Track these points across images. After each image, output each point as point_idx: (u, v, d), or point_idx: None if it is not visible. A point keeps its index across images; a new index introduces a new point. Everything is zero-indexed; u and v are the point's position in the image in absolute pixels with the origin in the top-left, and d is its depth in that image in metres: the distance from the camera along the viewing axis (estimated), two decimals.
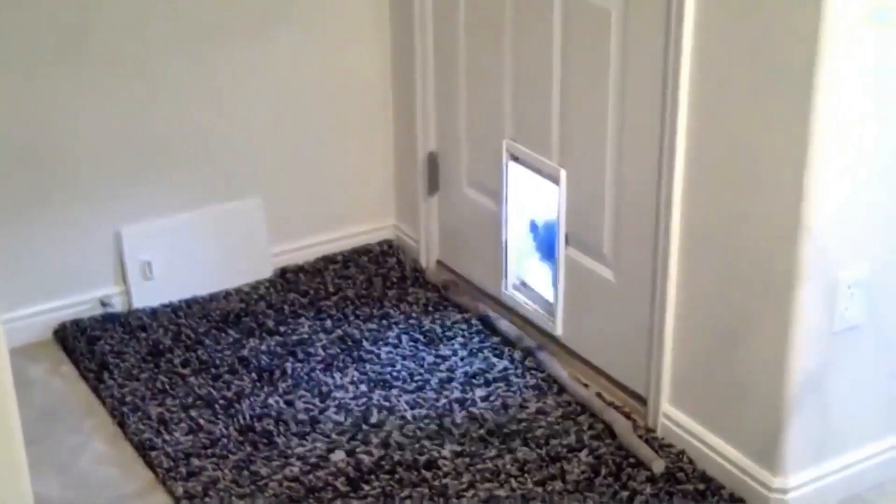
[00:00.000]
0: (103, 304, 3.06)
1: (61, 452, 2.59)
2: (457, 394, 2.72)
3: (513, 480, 2.43)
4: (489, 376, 2.78)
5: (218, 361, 2.85)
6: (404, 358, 2.87)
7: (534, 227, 2.89)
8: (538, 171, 2.80)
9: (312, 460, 2.50)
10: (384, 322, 3.03)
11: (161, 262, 3.10)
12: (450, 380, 2.77)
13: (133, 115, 2.98)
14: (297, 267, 3.29)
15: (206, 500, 2.41)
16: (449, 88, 3.08)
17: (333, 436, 2.58)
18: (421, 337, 2.96)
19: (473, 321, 3.00)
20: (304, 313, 3.07)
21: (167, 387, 2.76)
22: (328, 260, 3.33)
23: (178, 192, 3.10)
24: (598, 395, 2.70)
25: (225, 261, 3.18)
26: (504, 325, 2.94)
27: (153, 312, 3.06)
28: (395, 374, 2.80)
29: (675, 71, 2.28)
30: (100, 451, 2.60)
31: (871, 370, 2.34)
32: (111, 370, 2.82)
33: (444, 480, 2.44)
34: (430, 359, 2.86)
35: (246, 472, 2.47)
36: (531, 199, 2.86)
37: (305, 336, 2.96)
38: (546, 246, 2.85)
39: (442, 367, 2.82)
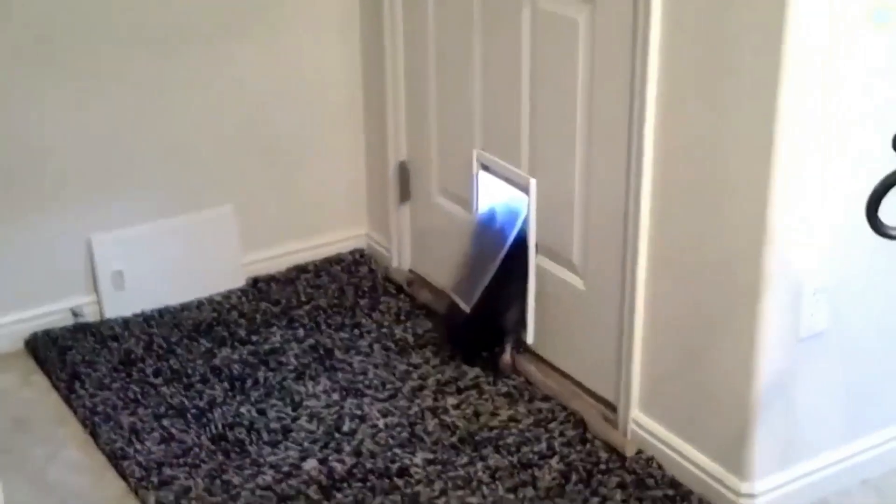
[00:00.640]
0: (75, 313, 3.06)
1: (33, 462, 2.59)
2: (429, 402, 2.73)
3: (484, 487, 2.45)
4: (461, 384, 2.79)
5: (190, 371, 2.86)
6: (376, 366, 2.88)
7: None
8: (508, 180, 2.82)
9: (285, 469, 2.51)
10: (356, 331, 3.04)
11: (132, 272, 3.10)
12: (422, 388, 2.79)
13: (103, 123, 2.98)
14: (268, 276, 3.29)
15: None
16: (419, 98, 3.09)
17: (306, 444, 2.59)
18: (393, 345, 2.97)
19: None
20: (276, 322, 3.07)
21: (139, 396, 2.76)
22: (300, 269, 3.33)
23: (149, 201, 3.10)
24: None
25: (196, 270, 3.18)
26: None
27: (125, 322, 3.06)
28: (367, 382, 2.81)
29: (643, 80, 2.30)
30: (71, 461, 2.59)
31: (837, 376, 2.37)
32: (83, 380, 2.82)
33: (417, 488, 2.45)
34: (402, 367, 2.87)
35: (218, 481, 2.47)
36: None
37: (277, 345, 2.97)
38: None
39: (414, 376, 2.84)
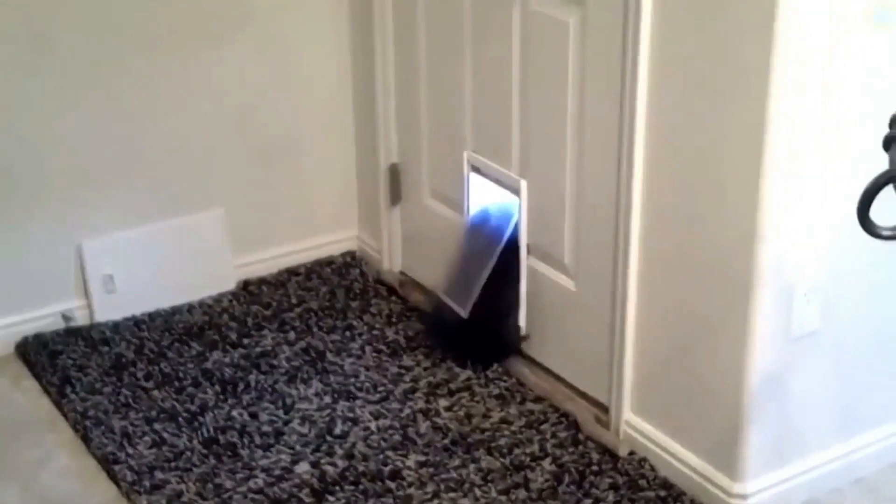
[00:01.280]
0: (65, 317, 3.05)
1: (24, 466, 2.58)
2: (420, 404, 2.73)
3: (477, 490, 2.44)
4: (452, 386, 2.79)
5: (181, 374, 2.85)
6: (368, 369, 2.88)
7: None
8: (499, 182, 2.82)
9: (277, 472, 2.50)
10: (347, 333, 3.03)
11: (123, 276, 3.09)
12: (413, 390, 2.78)
13: (92, 127, 2.97)
14: (259, 279, 3.29)
15: None
16: (410, 100, 3.09)
17: (298, 447, 2.59)
18: (384, 348, 2.96)
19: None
20: (267, 325, 3.07)
21: (130, 400, 2.75)
22: (291, 272, 3.33)
23: (139, 204, 3.10)
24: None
25: (187, 273, 3.18)
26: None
27: (116, 326, 3.06)
28: (358, 385, 2.81)
29: (633, 81, 2.30)
30: (63, 465, 2.59)
31: (829, 375, 2.37)
32: (74, 384, 2.81)
33: (409, 491, 2.45)
34: (394, 369, 2.87)
35: (210, 485, 2.47)
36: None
37: (269, 348, 2.96)
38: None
39: (406, 378, 2.83)
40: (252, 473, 2.50)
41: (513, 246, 2.77)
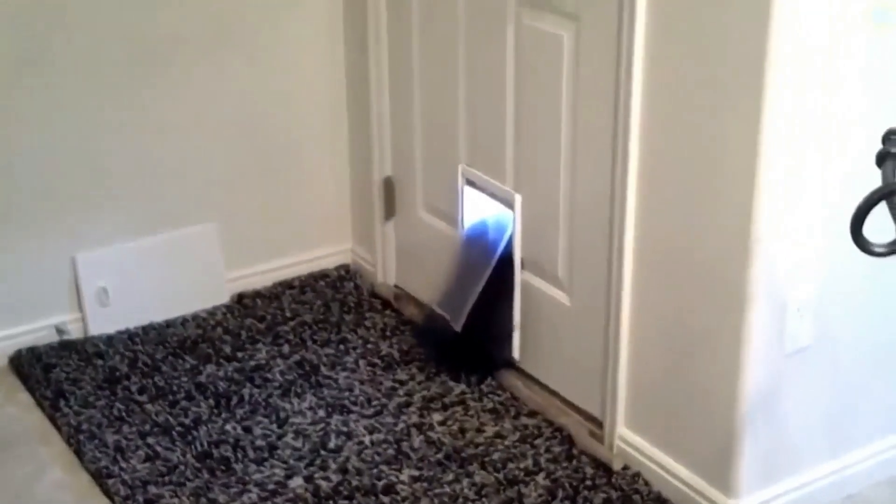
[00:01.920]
0: (59, 331, 3.05)
1: (17, 481, 2.57)
2: (414, 418, 2.73)
3: None
4: (446, 400, 2.79)
5: (175, 388, 2.85)
6: (362, 383, 2.87)
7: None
8: (493, 195, 2.82)
9: (270, 487, 2.50)
10: (342, 347, 3.03)
11: (117, 289, 3.09)
12: (407, 404, 2.78)
13: (86, 140, 2.97)
14: (254, 292, 3.29)
15: None
16: (404, 113, 3.10)
17: (291, 462, 2.58)
18: (378, 361, 2.96)
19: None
20: (261, 339, 3.07)
21: (124, 414, 2.75)
22: (285, 285, 3.33)
23: (133, 217, 3.09)
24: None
25: (181, 287, 3.18)
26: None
27: (109, 339, 3.05)
28: (352, 398, 2.81)
29: (627, 95, 2.31)
30: (56, 479, 2.58)
31: (822, 391, 2.37)
32: (67, 398, 2.81)
33: None
34: (388, 383, 2.87)
35: (204, 500, 2.46)
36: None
37: (263, 362, 2.96)
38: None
39: (400, 392, 2.83)
40: (246, 488, 2.50)
41: (507, 259, 2.77)
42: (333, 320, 3.16)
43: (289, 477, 2.53)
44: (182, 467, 2.56)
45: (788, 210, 2.16)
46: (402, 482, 2.51)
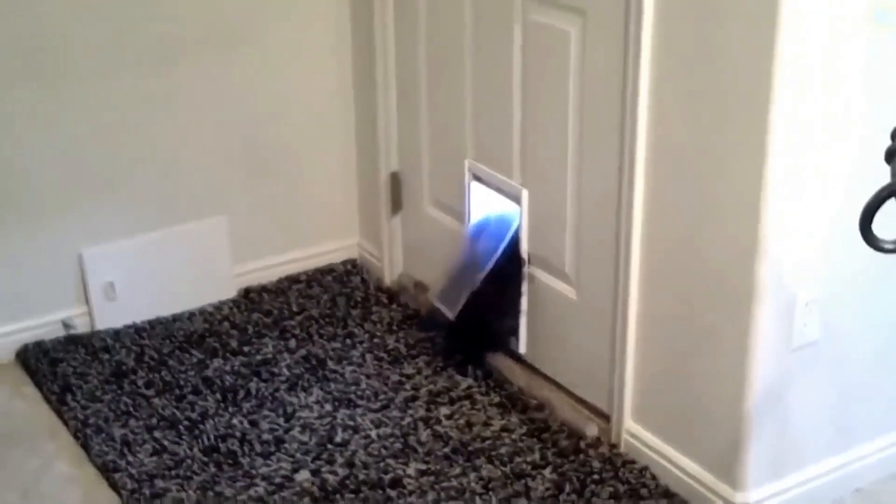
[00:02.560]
0: (66, 325, 3.05)
1: (24, 475, 2.58)
2: (421, 412, 2.73)
3: (477, 498, 2.44)
4: (453, 394, 2.79)
5: (182, 382, 2.85)
6: (369, 377, 2.88)
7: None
8: (500, 190, 2.82)
9: (277, 480, 2.50)
10: (348, 341, 3.03)
11: (124, 283, 3.09)
12: (414, 398, 2.78)
13: (94, 135, 2.98)
14: (260, 287, 3.29)
15: None
16: (411, 109, 3.10)
17: (298, 456, 2.58)
18: (385, 355, 2.97)
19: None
20: (267, 333, 3.07)
21: (131, 408, 2.75)
22: (292, 279, 3.33)
23: (140, 212, 3.10)
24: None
25: (188, 281, 3.18)
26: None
27: (116, 333, 3.06)
28: (359, 393, 2.81)
29: (634, 91, 2.31)
30: (63, 473, 2.59)
31: (830, 385, 2.37)
32: (74, 392, 2.81)
33: (409, 499, 2.44)
34: (395, 377, 2.87)
35: (210, 493, 2.47)
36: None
37: (269, 356, 2.96)
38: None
39: (406, 386, 2.83)
40: (252, 481, 2.50)
41: (512, 254, 2.77)
42: (340, 315, 3.16)
43: (295, 471, 2.53)
44: (189, 461, 2.57)
45: (796, 205, 2.15)
46: (409, 476, 2.51)
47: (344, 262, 3.42)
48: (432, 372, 2.89)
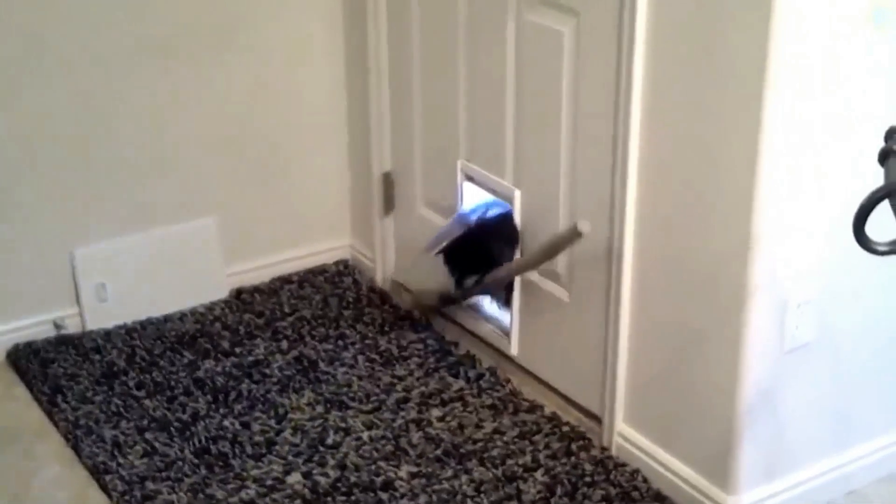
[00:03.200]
0: (57, 326, 3.04)
1: (14, 477, 2.57)
2: (413, 414, 2.72)
3: (469, 501, 2.44)
4: (445, 396, 2.79)
5: (173, 383, 2.84)
6: (360, 378, 2.87)
7: None
8: (493, 191, 2.81)
9: (269, 482, 2.49)
10: (340, 342, 3.03)
11: (115, 284, 3.08)
12: (406, 400, 2.78)
13: (84, 135, 2.97)
14: (252, 287, 3.28)
15: None
16: (403, 108, 3.09)
17: (290, 458, 2.58)
18: (377, 357, 2.96)
19: (429, 341, 3.01)
20: (259, 334, 3.06)
21: (122, 409, 2.74)
22: (284, 280, 3.32)
23: (131, 212, 3.09)
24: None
25: (180, 282, 3.17)
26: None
27: (107, 334, 3.04)
28: (351, 394, 2.80)
29: (627, 90, 2.30)
30: (53, 475, 2.57)
31: (822, 387, 2.37)
32: (65, 393, 2.80)
33: (401, 501, 2.44)
34: (387, 379, 2.86)
35: (202, 495, 2.46)
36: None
37: (261, 357, 2.95)
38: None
39: (398, 388, 2.83)
40: (244, 484, 2.49)
41: (506, 216, 2.76)
42: (332, 315, 3.15)
43: (287, 473, 2.53)
44: (180, 463, 2.56)
45: (789, 207, 2.15)
46: (401, 478, 2.50)
47: (336, 263, 3.41)
48: (424, 374, 2.88)
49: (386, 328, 3.09)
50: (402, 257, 3.28)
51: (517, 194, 2.72)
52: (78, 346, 2.99)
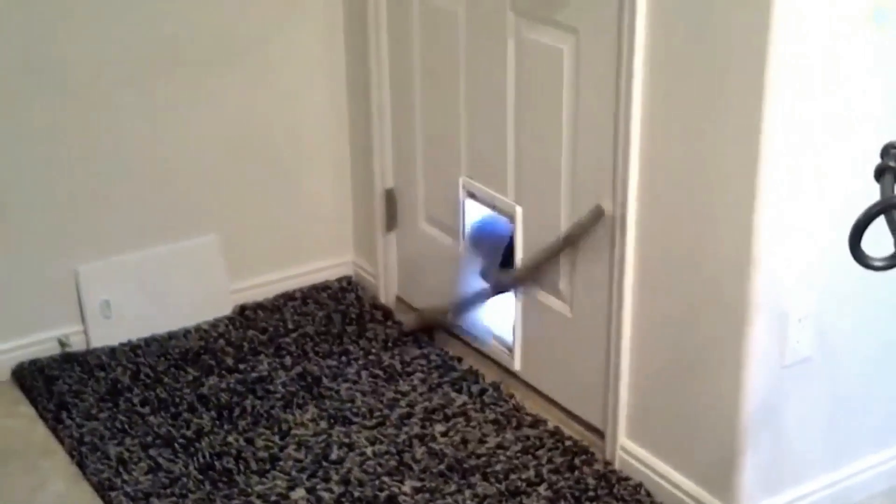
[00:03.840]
0: (62, 343, 3.05)
1: (19, 494, 2.58)
2: (416, 429, 2.73)
3: None
4: (448, 411, 2.80)
5: (177, 400, 2.85)
6: (364, 394, 2.88)
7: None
8: (494, 207, 2.83)
9: (273, 498, 2.50)
10: (343, 358, 3.04)
11: (119, 301, 3.10)
12: (409, 415, 2.79)
13: (88, 153, 2.98)
14: (256, 304, 3.30)
15: None
16: (406, 126, 3.11)
17: (293, 473, 2.59)
18: (380, 373, 2.97)
19: (432, 356, 3.02)
20: (263, 350, 3.07)
21: (126, 426, 2.75)
22: (287, 297, 3.34)
23: (135, 230, 3.10)
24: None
25: (183, 298, 3.18)
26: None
27: (112, 351, 3.06)
28: (354, 410, 2.81)
29: (627, 108, 2.32)
30: (59, 492, 2.58)
31: (822, 402, 2.38)
32: (70, 410, 2.81)
33: None
34: (390, 394, 2.87)
35: None
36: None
37: (265, 373, 2.97)
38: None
39: (402, 403, 2.84)
40: (248, 499, 2.50)
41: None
42: (335, 332, 3.16)
43: (291, 488, 2.54)
44: (184, 479, 2.57)
45: (789, 221, 2.16)
46: (405, 493, 2.51)
47: (339, 279, 3.43)
48: (427, 389, 2.89)
49: (389, 344, 3.10)
50: (404, 273, 3.29)
51: (518, 210, 2.73)
52: (82, 363, 3.01)
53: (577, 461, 2.61)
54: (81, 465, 2.64)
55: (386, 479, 2.56)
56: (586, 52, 2.44)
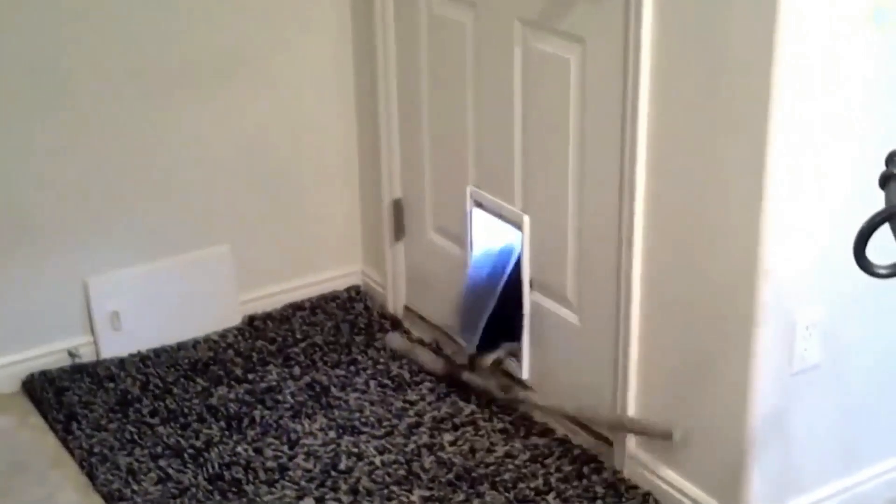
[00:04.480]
0: (71, 354, 3.06)
1: None
2: (425, 439, 2.74)
3: None
4: (457, 421, 2.80)
5: (186, 410, 2.86)
6: (372, 403, 2.88)
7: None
8: (502, 216, 2.83)
9: None
10: (352, 368, 3.04)
11: (129, 312, 3.10)
12: (418, 425, 2.79)
13: (98, 164, 2.99)
14: (264, 314, 3.30)
15: None
16: (413, 136, 3.11)
17: (302, 483, 2.59)
18: (389, 382, 2.97)
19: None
20: (272, 361, 3.08)
21: (136, 437, 2.76)
22: (296, 307, 3.34)
23: (144, 241, 3.11)
24: None
25: (193, 309, 3.19)
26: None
27: (121, 362, 3.07)
28: (363, 419, 2.81)
29: (634, 117, 2.32)
30: (69, 502, 2.59)
31: (831, 409, 2.37)
32: (79, 421, 2.82)
33: None
34: (399, 404, 2.88)
35: None
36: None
37: (274, 383, 2.97)
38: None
39: (410, 413, 2.84)
40: None
41: (514, 281, 2.79)
42: (343, 342, 3.17)
43: (300, 498, 2.54)
44: (194, 489, 2.57)
45: (797, 230, 2.16)
46: (413, 502, 2.51)
47: (347, 289, 3.43)
48: (436, 398, 2.90)
49: (397, 354, 3.10)
50: (412, 283, 3.29)
51: (526, 220, 2.74)
52: (92, 374, 3.01)
53: (585, 470, 2.61)
54: (91, 476, 2.64)
55: (395, 488, 2.56)
56: (593, 61, 2.44)
